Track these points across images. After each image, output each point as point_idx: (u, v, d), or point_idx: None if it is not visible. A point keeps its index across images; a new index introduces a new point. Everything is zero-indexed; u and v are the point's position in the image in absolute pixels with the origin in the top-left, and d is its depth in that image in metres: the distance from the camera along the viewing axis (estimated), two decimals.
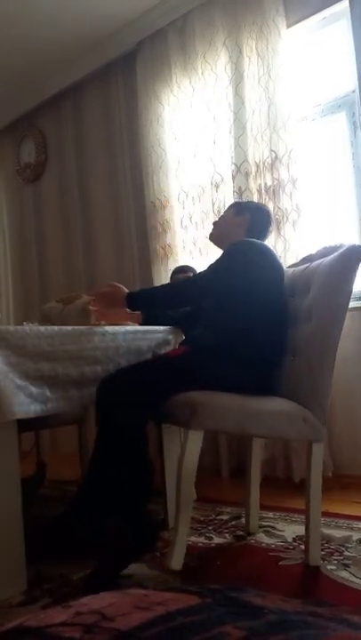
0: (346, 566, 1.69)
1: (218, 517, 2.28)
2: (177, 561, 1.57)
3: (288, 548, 1.88)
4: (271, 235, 2.83)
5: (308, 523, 1.72)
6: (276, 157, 2.82)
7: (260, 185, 2.91)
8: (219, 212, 3.09)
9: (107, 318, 2.12)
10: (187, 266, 2.99)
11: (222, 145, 3.08)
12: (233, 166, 2.98)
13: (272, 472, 2.82)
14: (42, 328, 1.83)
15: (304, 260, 2.08)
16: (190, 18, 3.22)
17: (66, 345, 1.86)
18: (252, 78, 2.94)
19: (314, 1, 2.79)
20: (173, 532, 1.61)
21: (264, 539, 1.99)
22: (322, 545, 1.85)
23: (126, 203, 3.76)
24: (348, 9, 2.66)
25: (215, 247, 3.03)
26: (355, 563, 1.71)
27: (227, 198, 3.07)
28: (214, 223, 2.30)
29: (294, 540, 1.94)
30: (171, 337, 2.21)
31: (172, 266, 3.27)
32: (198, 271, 2.36)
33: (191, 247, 3.25)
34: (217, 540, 2.03)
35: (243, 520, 2.12)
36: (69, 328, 1.90)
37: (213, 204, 3.11)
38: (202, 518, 2.28)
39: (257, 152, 2.92)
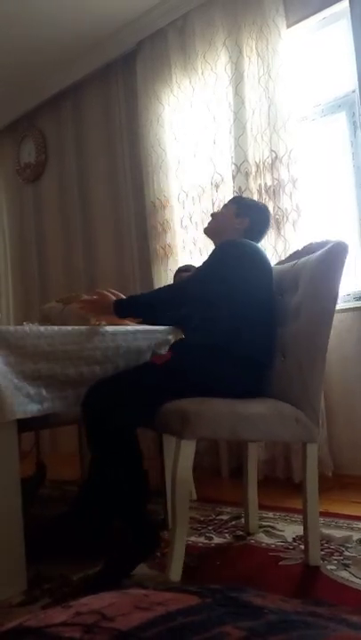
0: (346, 566, 1.69)
1: (218, 517, 2.28)
2: (176, 572, 1.56)
3: (288, 548, 1.88)
4: (271, 235, 2.84)
5: (306, 523, 1.72)
6: (276, 157, 2.82)
7: (260, 185, 2.91)
8: None
9: (106, 318, 2.11)
10: (191, 265, 2.99)
11: (222, 145, 3.08)
12: (233, 166, 2.98)
13: (272, 472, 2.82)
14: (42, 328, 1.83)
15: (291, 257, 2.08)
16: (190, 18, 3.22)
17: (66, 345, 1.86)
18: (252, 78, 2.94)
19: (314, 1, 2.79)
20: (170, 544, 1.58)
21: (264, 539, 1.99)
22: (322, 545, 1.85)
23: (126, 203, 3.76)
24: (348, 9, 2.66)
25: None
26: (355, 563, 1.71)
27: (227, 198, 3.04)
28: (213, 215, 2.26)
29: (294, 539, 1.94)
30: (171, 337, 2.21)
31: (172, 266, 3.28)
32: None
33: (191, 247, 3.25)
34: (217, 540, 2.03)
35: (243, 520, 2.12)
36: (69, 328, 1.90)
37: (213, 204, 3.11)
38: (202, 518, 2.28)
39: (257, 152, 2.92)
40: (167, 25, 3.32)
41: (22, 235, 4.59)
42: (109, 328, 2.01)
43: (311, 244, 2.00)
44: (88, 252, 4.03)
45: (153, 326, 2.19)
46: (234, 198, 2.30)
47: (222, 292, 1.91)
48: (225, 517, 2.27)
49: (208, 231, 2.24)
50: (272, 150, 2.84)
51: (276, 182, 2.83)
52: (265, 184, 2.88)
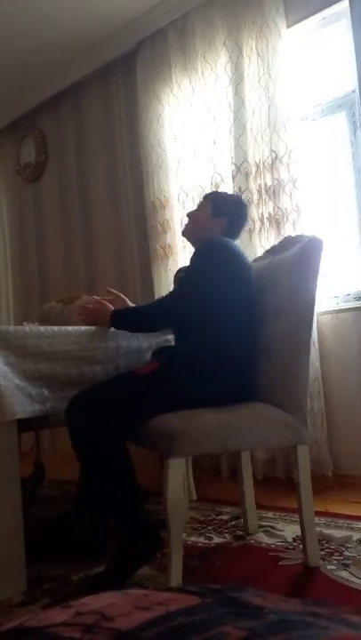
0: (346, 566, 1.69)
1: (218, 517, 2.28)
2: (175, 579, 1.55)
3: (288, 548, 1.88)
4: (271, 235, 2.84)
5: (302, 524, 1.71)
6: (276, 157, 2.82)
7: (260, 185, 2.91)
8: None
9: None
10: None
11: (222, 145, 3.08)
12: (233, 166, 2.98)
13: (272, 472, 2.82)
14: (42, 328, 1.83)
15: (268, 253, 2.08)
16: (190, 18, 3.22)
17: (66, 345, 1.86)
18: (252, 78, 2.94)
19: (314, 1, 2.79)
20: (168, 555, 1.57)
21: (264, 539, 1.99)
22: (322, 545, 1.85)
23: (126, 203, 3.76)
24: (348, 9, 2.66)
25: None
26: (355, 563, 1.71)
27: None
28: (189, 215, 2.21)
29: (294, 539, 1.94)
30: (171, 337, 2.21)
31: (172, 266, 3.27)
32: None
33: (191, 247, 3.24)
34: (217, 539, 2.03)
35: (242, 520, 2.12)
36: (69, 328, 1.90)
37: None
38: (202, 518, 2.28)
39: (257, 152, 2.92)
40: (167, 25, 3.32)
41: (22, 235, 4.59)
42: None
43: (286, 238, 2.00)
44: (88, 252, 4.03)
45: None
46: (208, 196, 2.21)
47: (205, 302, 1.86)
48: (225, 517, 2.27)
49: (186, 234, 2.20)
50: (272, 150, 2.84)
51: (276, 182, 2.83)
52: (265, 184, 2.88)
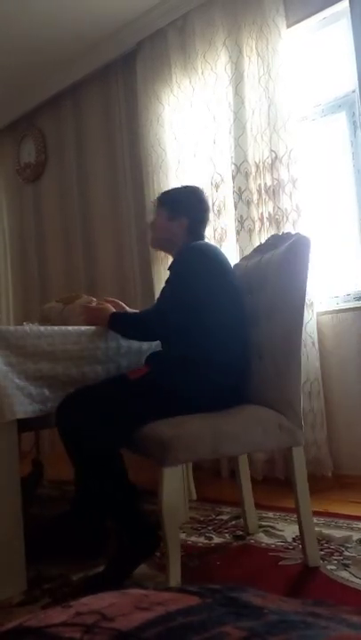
0: (346, 566, 1.69)
1: (218, 517, 2.28)
2: (174, 579, 1.55)
3: (288, 548, 1.88)
4: (271, 235, 2.84)
5: (301, 525, 1.71)
6: (276, 157, 2.82)
7: (260, 185, 2.91)
8: (218, 212, 3.09)
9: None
10: None
11: (222, 145, 3.07)
12: (233, 166, 2.98)
13: (271, 472, 2.82)
14: (42, 328, 1.83)
15: (256, 251, 2.07)
16: (190, 18, 3.21)
17: (66, 345, 1.86)
18: (252, 78, 2.94)
19: (314, 1, 2.79)
20: (166, 557, 1.57)
21: (264, 539, 1.99)
22: (322, 545, 1.85)
23: (126, 202, 3.76)
24: (349, 9, 2.66)
25: (217, 245, 3.06)
26: (355, 563, 1.71)
27: (227, 198, 3.07)
28: (150, 225, 2.18)
29: (294, 539, 1.94)
30: None
31: None
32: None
33: None
34: (217, 540, 2.03)
35: (242, 520, 2.12)
36: (69, 328, 1.90)
37: (213, 204, 3.11)
38: (202, 518, 2.28)
39: (257, 152, 2.92)
40: (167, 25, 3.32)
41: (22, 234, 4.59)
42: None
43: (274, 236, 1.99)
44: (88, 251, 4.03)
45: None
46: (160, 199, 2.14)
47: (189, 310, 1.84)
48: (225, 517, 2.27)
49: (153, 245, 2.17)
50: (272, 150, 2.83)
51: (276, 182, 2.83)
52: (265, 184, 2.88)
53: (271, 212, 2.85)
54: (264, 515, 2.22)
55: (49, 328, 1.85)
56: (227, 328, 1.85)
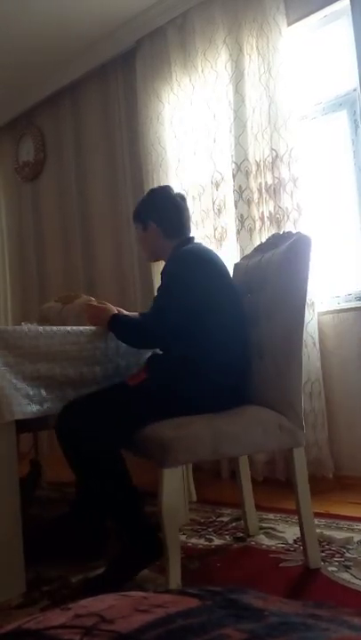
0: (347, 568, 1.68)
1: (218, 519, 2.27)
2: (174, 581, 1.54)
3: (289, 550, 1.87)
4: (272, 234, 2.83)
5: (302, 527, 1.70)
6: (276, 156, 2.81)
7: (260, 184, 2.90)
8: (219, 210, 3.08)
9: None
10: None
11: (222, 143, 3.07)
12: (233, 165, 2.97)
13: (272, 474, 2.81)
14: (40, 328, 1.82)
15: (256, 250, 2.06)
16: (190, 15, 3.21)
17: (65, 345, 1.85)
18: (252, 76, 2.93)
19: None
20: (166, 559, 1.56)
21: (264, 540, 1.98)
22: (323, 546, 1.84)
23: (125, 201, 3.75)
24: (349, 7, 2.65)
25: (216, 246, 3.06)
26: (356, 564, 1.70)
27: (227, 197, 3.06)
28: (140, 243, 2.18)
29: (295, 541, 1.93)
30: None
31: None
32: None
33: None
34: (217, 541, 2.02)
35: (243, 522, 2.11)
36: (68, 328, 1.90)
37: (214, 203, 3.10)
38: (202, 520, 2.27)
39: (257, 150, 2.91)
40: (167, 23, 3.32)
41: (21, 233, 4.59)
42: None
43: (274, 235, 1.98)
44: (87, 250, 4.03)
45: None
46: (133, 217, 2.15)
47: (185, 314, 1.83)
48: (225, 519, 2.26)
49: (147, 260, 2.17)
50: (273, 149, 2.83)
51: (276, 181, 2.82)
52: (265, 183, 2.88)
53: (272, 210, 2.84)
54: (265, 516, 2.21)
55: (47, 328, 1.84)
56: (226, 328, 1.84)
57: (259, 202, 2.91)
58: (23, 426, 1.88)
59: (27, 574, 1.72)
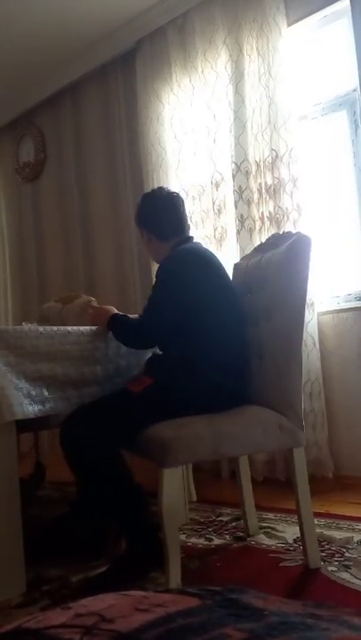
0: (347, 567, 1.68)
1: (218, 519, 2.27)
2: (174, 581, 1.54)
3: (289, 550, 1.87)
4: (272, 234, 2.83)
5: (301, 526, 1.70)
6: (276, 156, 2.82)
7: (260, 184, 2.90)
8: (219, 210, 3.08)
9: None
10: None
11: (222, 143, 3.07)
12: (233, 165, 2.98)
13: (272, 474, 2.81)
14: (41, 328, 1.82)
15: (256, 250, 2.06)
16: (190, 16, 3.21)
17: (65, 345, 1.85)
18: (252, 76, 2.93)
19: None
20: (166, 559, 1.56)
21: (264, 540, 1.98)
22: (322, 546, 1.84)
23: (126, 202, 3.75)
24: (349, 7, 2.65)
25: (216, 246, 3.06)
26: (356, 564, 1.70)
27: (227, 197, 3.06)
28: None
29: (295, 541, 1.93)
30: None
31: None
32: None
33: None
34: (217, 541, 2.02)
35: (243, 521, 2.11)
36: (68, 328, 1.90)
37: (214, 203, 3.10)
38: (202, 520, 2.27)
39: (257, 151, 2.91)
40: (167, 23, 3.32)
41: (21, 234, 4.59)
42: None
43: (274, 235, 1.98)
44: (87, 251, 4.03)
45: None
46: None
47: (182, 312, 1.83)
48: (225, 519, 2.27)
49: (155, 262, 2.15)
50: (272, 149, 2.83)
51: (276, 181, 2.82)
52: (265, 183, 2.88)
53: (272, 211, 2.84)
54: (265, 516, 2.22)
55: (48, 328, 1.84)
56: (224, 327, 1.84)
57: (259, 202, 2.91)
58: (24, 426, 1.88)
59: (27, 574, 1.72)
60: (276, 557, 1.82)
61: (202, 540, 2.03)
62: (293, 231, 2.20)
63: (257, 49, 2.90)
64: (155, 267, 3.33)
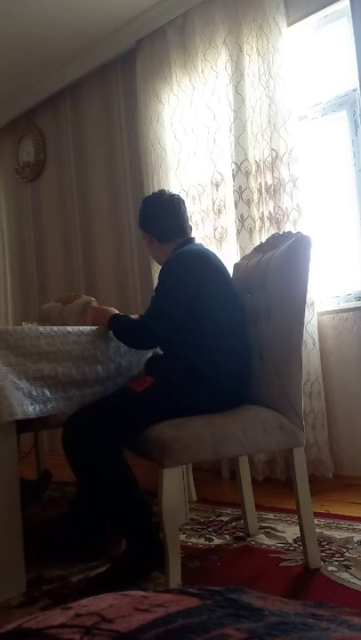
0: (347, 567, 1.68)
1: (218, 519, 2.27)
2: (174, 581, 1.54)
3: (289, 550, 1.87)
4: (272, 234, 2.84)
5: (301, 526, 1.70)
6: (276, 156, 2.82)
7: (260, 184, 2.90)
8: (219, 210, 3.09)
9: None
10: None
11: (222, 144, 3.07)
12: (233, 165, 2.98)
13: (272, 473, 2.81)
14: (41, 328, 1.82)
15: (257, 250, 2.06)
16: (190, 16, 3.21)
17: (66, 345, 1.85)
18: (252, 76, 2.94)
19: None
20: (166, 559, 1.56)
21: (264, 540, 1.98)
22: (323, 546, 1.84)
23: (125, 202, 3.75)
24: (349, 7, 2.66)
25: (216, 246, 3.06)
26: (355, 564, 1.70)
27: (227, 197, 3.06)
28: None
29: (295, 541, 1.93)
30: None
31: None
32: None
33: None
34: (217, 541, 2.02)
35: (243, 521, 2.11)
36: (69, 328, 1.90)
37: (214, 203, 3.10)
38: (202, 520, 2.27)
39: (257, 151, 2.91)
40: (167, 23, 3.32)
41: (21, 234, 4.59)
42: None
43: (274, 235, 1.98)
44: (87, 251, 4.03)
45: None
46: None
47: (187, 315, 1.83)
48: (225, 519, 2.27)
49: (158, 263, 2.15)
50: (272, 149, 2.83)
51: (276, 181, 2.82)
52: (265, 183, 2.88)
53: (272, 211, 2.84)
54: (265, 516, 2.22)
55: (48, 328, 1.84)
56: (227, 329, 1.84)
57: (259, 202, 2.91)
58: (24, 425, 1.88)
59: (27, 574, 1.72)
60: (276, 557, 1.82)
61: (202, 540, 2.03)
62: (293, 231, 2.20)
63: (257, 49, 2.91)
64: (155, 267, 3.35)
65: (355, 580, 1.59)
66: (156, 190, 2.23)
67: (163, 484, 1.55)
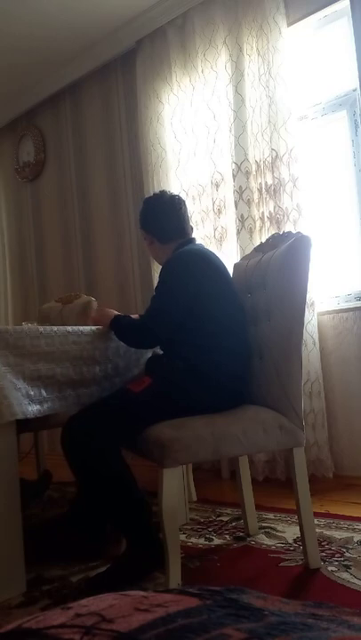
0: (347, 567, 1.68)
1: (218, 519, 2.27)
2: (174, 581, 1.54)
3: (289, 550, 1.87)
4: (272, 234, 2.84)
5: (301, 526, 1.70)
6: (276, 156, 2.82)
7: (260, 184, 2.90)
8: (219, 210, 3.09)
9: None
10: None
11: (222, 144, 3.07)
12: (233, 165, 2.98)
13: (272, 473, 2.81)
14: (41, 328, 1.82)
15: (257, 250, 2.06)
16: (190, 16, 3.21)
17: (65, 345, 1.85)
18: (252, 76, 2.94)
19: None
20: (166, 558, 1.56)
21: (264, 540, 1.98)
22: (323, 546, 1.84)
23: (125, 202, 3.75)
24: (349, 7, 2.66)
25: (216, 246, 3.06)
26: (356, 564, 1.70)
27: (227, 197, 3.06)
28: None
29: (295, 541, 1.93)
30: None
31: None
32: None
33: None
34: (217, 541, 2.02)
35: (243, 521, 2.11)
36: (68, 328, 1.90)
37: (214, 203, 3.10)
38: (202, 520, 2.27)
39: (257, 151, 2.91)
40: (167, 23, 3.32)
41: (21, 234, 4.59)
42: None
43: (274, 236, 1.98)
44: (87, 251, 4.03)
45: None
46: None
47: (187, 315, 1.83)
48: (225, 519, 2.27)
49: (159, 263, 2.15)
50: (273, 149, 2.83)
51: (276, 181, 2.82)
52: (265, 183, 2.88)
53: (272, 211, 2.84)
54: (265, 516, 2.22)
55: (48, 328, 1.84)
56: (227, 329, 1.84)
57: (259, 202, 2.91)
58: (23, 426, 1.88)
59: (27, 574, 1.72)
60: (276, 557, 1.82)
61: (202, 540, 2.03)
62: (293, 231, 2.20)
63: (257, 49, 2.90)
64: (155, 267, 3.35)
65: (355, 580, 1.59)
66: (157, 191, 2.23)
67: (163, 484, 1.55)
